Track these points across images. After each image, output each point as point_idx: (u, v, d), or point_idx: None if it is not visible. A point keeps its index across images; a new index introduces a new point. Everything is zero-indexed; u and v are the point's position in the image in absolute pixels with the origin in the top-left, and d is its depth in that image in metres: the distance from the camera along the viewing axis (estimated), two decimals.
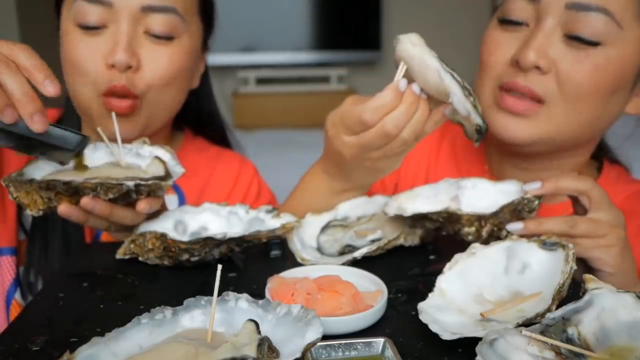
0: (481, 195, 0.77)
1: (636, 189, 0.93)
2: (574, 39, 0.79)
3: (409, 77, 0.73)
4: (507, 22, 0.85)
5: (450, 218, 0.73)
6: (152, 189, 0.72)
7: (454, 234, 0.75)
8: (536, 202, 0.73)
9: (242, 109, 3.72)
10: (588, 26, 0.78)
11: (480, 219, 0.72)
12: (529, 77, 0.81)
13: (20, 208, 0.95)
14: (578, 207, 0.75)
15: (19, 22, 2.88)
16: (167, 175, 0.75)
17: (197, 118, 1.11)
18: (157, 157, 0.77)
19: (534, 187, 0.73)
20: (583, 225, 0.71)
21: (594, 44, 0.79)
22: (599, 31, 0.78)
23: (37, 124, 0.64)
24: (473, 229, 0.73)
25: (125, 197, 0.72)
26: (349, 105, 0.77)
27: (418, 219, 0.75)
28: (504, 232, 0.74)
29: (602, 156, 0.97)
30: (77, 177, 0.70)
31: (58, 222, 0.92)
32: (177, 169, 0.77)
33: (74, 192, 0.70)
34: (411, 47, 0.71)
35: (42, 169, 0.73)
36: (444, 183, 0.80)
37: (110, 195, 0.70)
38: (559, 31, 0.80)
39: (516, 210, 0.73)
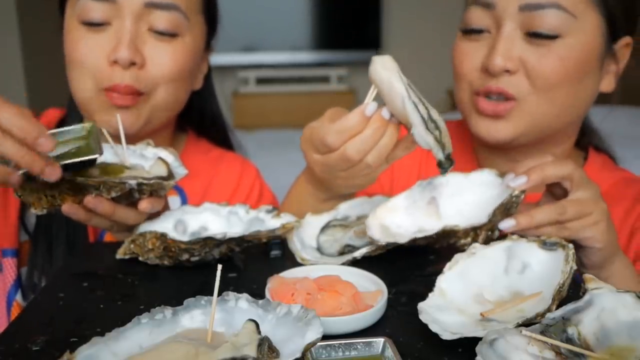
0: (456, 191, 0.77)
1: (621, 176, 0.96)
2: (534, 35, 0.83)
3: (382, 101, 0.71)
4: (469, 32, 0.89)
5: (445, 235, 0.72)
6: (154, 188, 0.73)
7: (449, 245, 0.74)
8: (522, 197, 0.73)
9: (242, 109, 3.72)
10: (544, 23, 0.82)
11: (475, 229, 0.72)
12: (500, 80, 0.85)
13: (22, 209, 0.95)
14: (557, 189, 0.75)
15: (19, 21, 2.88)
16: (170, 175, 0.75)
17: (201, 119, 1.12)
18: (160, 158, 0.78)
19: (519, 183, 0.72)
20: (571, 209, 0.71)
21: (553, 37, 0.82)
22: (555, 25, 0.82)
23: (51, 175, 0.65)
24: (469, 239, 0.73)
25: (128, 196, 0.73)
26: (326, 119, 0.76)
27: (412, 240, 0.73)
28: (496, 233, 0.73)
29: (587, 145, 1.00)
30: (80, 176, 0.71)
31: (62, 224, 0.92)
32: (180, 170, 0.77)
33: (77, 190, 0.71)
34: (382, 70, 0.69)
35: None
36: (418, 187, 0.78)
37: (113, 194, 0.71)
38: (519, 32, 0.84)
39: (506, 209, 0.73)
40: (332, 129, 0.71)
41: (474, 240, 0.73)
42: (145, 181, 0.71)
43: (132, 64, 0.88)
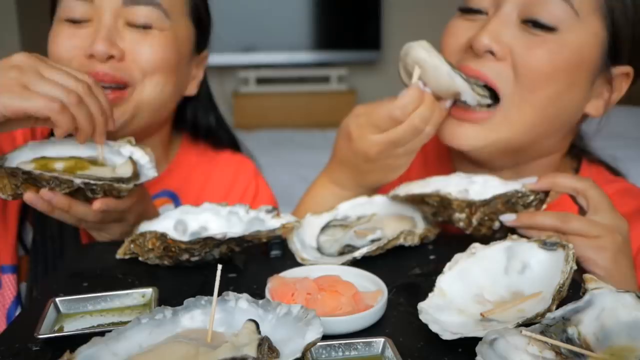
0: (489, 192, 0.78)
1: (615, 190, 0.89)
2: (530, 22, 0.79)
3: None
4: (467, 11, 0.86)
5: (442, 203, 0.76)
6: (104, 189, 0.73)
7: (448, 219, 0.77)
8: (532, 198, 0.74)
9: (242, 109, 3.73)
10: (545, 10, 0.79)
11: (470, 205, 0.74)
12: (483, 62, 0.81)
13: (20, 225, 0.95)
14: (579, 208, 0.75)
15: (18, 22, 2.89)
16: (135, 177, 0.76)
17: (194, 129, 1.10)
18: (130, 158, 0.78)
19: (528, 181, 0.76)
20: (576, 223, 0.71)
21: (549, 28, 0.79)
22: (556, 16, 0.78)
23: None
24: (463, 215, 0.75)
25: (79, 194, 0.74)
26: (363, 110, 0.82)
27: (414, 202, 0.79)
28: (496, 223, 0.75)
29: (581, 156, 0.96)
30: (38, 169, 0.73)
31: (57, 239, 0.92)
32: (150, 173, 0.77)
33: (33, 182, 0.72)
34: (424, 53, 0.79)
35: (23, 155, 0.76)
36: (456, 177, 0.82)
37: (62, 190, 0.72)
38: (516, 17, 0.81)
39: (509, 203, 0.74)
40: (397, 104, 0.79)
41: (469, 218, 0.75)
42: (93, 181, 0.72)
43: (110, 57, 0.87)
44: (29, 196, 0.73)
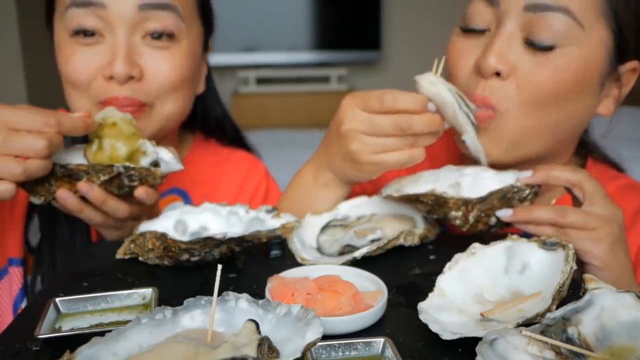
0: (482, 184, 0.78)
1: (618, 186, 0.90)
2: (533, 44, 0.78)
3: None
4: (468, 30, 0.84)
5: (438, 201, 0.75)
6: (142, 173, 0.75)
7: (444, 217, 0.77)
8: (527, 192, 0.74)
9: (242, 109, 3.72)
10: (548, 27, 0.76)
11: (466, 203, 0.74)
12: (489, 84, 0.80)
13: (27, 223, 0.95)
14: (574, 199, 0.75)
15: (18, 22, 2.89)
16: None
17: (204, 123, 1.11)
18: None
19: (523, 175, 0.75)
20: (573, 215, 0.71)
21: (553, 48, 0.77)
22: (559, 31, 0.76)
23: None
24: (460, 213, 0.75)
25: (120, 185, 0.75)
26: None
27: (409, 201, 0.78)
28: (493, 219, 0.75)
29: (586, 154, 0.95)
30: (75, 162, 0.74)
31: (65, 236, 0.92)
32: (176, 167, 0.79)
33: (70, 175, 0.73)
34: (430, 87, 0.75)
35: (61, 158, 0.76)
36: (447, 169, 0.82)
37: (103, 178, 0.73)
38: (519, 35, 0.79)
39: (505, 198, 0.74)
40: (391, 90, 0.75)
41: (465, 215, 0.75)
42: (132, 166, 0.74)
43: (130, 78, 0.85)
44: (61, 193, 0.73)
